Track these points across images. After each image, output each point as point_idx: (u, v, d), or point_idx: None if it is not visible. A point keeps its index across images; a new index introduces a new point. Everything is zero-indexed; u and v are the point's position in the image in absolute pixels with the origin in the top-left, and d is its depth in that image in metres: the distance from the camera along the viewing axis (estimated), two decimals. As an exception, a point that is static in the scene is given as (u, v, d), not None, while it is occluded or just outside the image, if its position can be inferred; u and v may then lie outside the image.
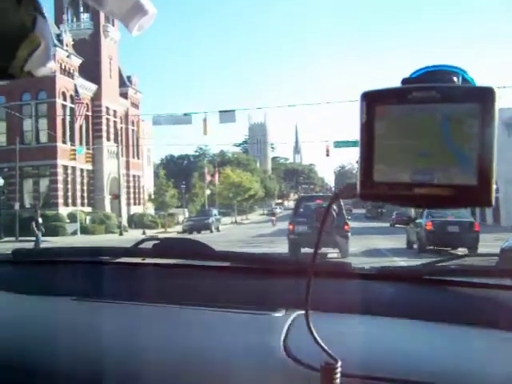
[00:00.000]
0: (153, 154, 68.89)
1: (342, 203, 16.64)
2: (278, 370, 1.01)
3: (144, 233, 37.25)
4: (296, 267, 1.59)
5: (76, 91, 38.86)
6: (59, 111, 42.29)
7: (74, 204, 42.55)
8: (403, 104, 0.71)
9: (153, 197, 50.50)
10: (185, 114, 28.69)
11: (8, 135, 41.02)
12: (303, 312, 1.00)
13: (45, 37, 0.87)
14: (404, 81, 0.73)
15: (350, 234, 16.18)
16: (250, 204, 78.70)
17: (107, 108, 48.14)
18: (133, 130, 54.49)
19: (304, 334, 0.92)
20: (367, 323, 1.22)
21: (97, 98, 46.68)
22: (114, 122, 50.38)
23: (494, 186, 0.69)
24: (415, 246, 19.96)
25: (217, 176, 68.18)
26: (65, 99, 42.89)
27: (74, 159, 36.38)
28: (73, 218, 38.34)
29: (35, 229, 23.66)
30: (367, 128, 0.71)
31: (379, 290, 1.44)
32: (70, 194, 42.97)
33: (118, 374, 1.07)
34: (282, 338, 1.09)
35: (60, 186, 42.37)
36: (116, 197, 39.06)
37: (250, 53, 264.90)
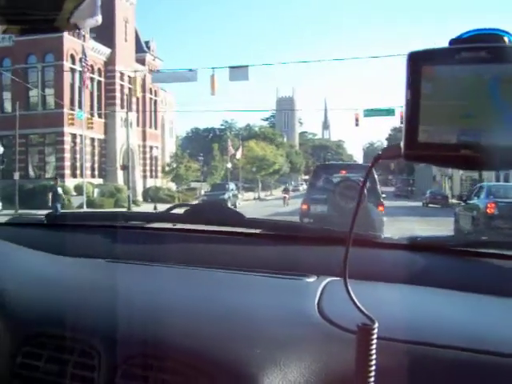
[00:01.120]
0: (176, 125, 66.11)
1: (376, 176, 12.55)
2: (313, 331, 1.03)
3: (155, 208, 34.56)
4: (325, 236, 1.64)
5: (84, 53, 35.82)
6: (67, 75, 39.24)
7: (84, 175, 39.91)
8: (451, 64, 0.70)
9: (167, 169, 47.65)
10: (189, 70, 24.80)
11: (13, 101, 38.14)
12: (334, 278, 1.22)
13: None
14: (452, 41, 0.72)
15: (384, 216, 11.78)
16: (276, 179, 75.39)
17: (121, 74, 45.03)
18: (150, 98, 51.62)
19: (337, 298, 1.06)
20: (399, 291, 1.26)
21: (110, 62, 43.57)
22: (129, 89, 47.43)
23: None
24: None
25: (240, 149, 65.06)
26: (74, 62, 39.78)
27: (73, 124, 33.16)
28: (79, 190, 35.53)
29: (52, 200, 20.94)
30: (413, 88, 0.71)
31: (410, 259, 1.47)
32: (78, 164, 40.19)
33: (153, 332, 1.07)
34: (316, 301, 1.13)
35: (67, 155, 39.55)
36: (124, 167, 36.10)
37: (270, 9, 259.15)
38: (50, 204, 21.04)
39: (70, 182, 37.40)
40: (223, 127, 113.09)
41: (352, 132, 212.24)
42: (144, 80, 50.22)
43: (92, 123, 34.93)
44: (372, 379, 0.82)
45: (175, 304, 1.19)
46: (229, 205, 36.40)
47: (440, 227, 17.68)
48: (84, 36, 39.65)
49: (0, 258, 1.45)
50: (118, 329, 1.08)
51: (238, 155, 63.00)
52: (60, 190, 21.57)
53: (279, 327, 1.06)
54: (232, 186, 43.30)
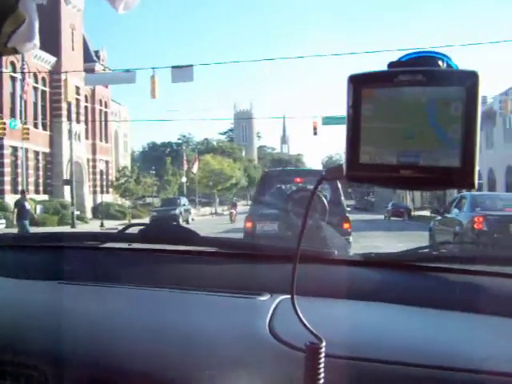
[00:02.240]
0: (131, 140, 63.94)
1: (339, 187, 9.92)
2: (263, 351, 1.03)
3: (102, 225, 32.29)
4: (280, 253, 1.63)
5: (23, 58, 33.43)
6: (6, 83, 36.70)
7: (27, 191, 37.28)
8: (389, 87, 0.72)
9: (115, 184, 45.37)
10: (127, 71, 22.43)
11: None
12: (288, 296, 1.12)
13: (29, 13, 0.89)
14: (390, 64, 0.74)
15: (351, 236, 9.07)
16: (234, 193, 73.69)
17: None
18: (100, 109, 49.36)
19: (289, 317, 1.00)
20: (350, 307, 1.26)
21: (56, 71, 41.10)
22: (77, 100, 45.14)
23: (477, 168, 0.70)
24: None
25: (197, 163, 63.33)
26: (14, 70, 37.08)
27: (3, 134, 30.34)
28: (20, 207, 32.81)
29: (18, 216, 18.17)
30: (354, 110, 0.73)
31: (362, 275, 1.48)
32: (20, 179, 37.44)
33: (104, 355, 1.07)
34: (268, 321, 1.12)
35: (7, 169, 36.87)
36: (67, 182, 33.68)
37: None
38: (15, 221, 18.44)
39: (11, 199, 34.66)
40: (180, 141, 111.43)
41: (311, 146, 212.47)
42: (93, 91, 48.06)
43: (27, 133, 32.18)
44: None
45: (127, 326, 1.17)
46: (180, 221, 34.39)
47: (409, 242, 15.87)
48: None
49: None
50: (67, 353, 1.06)
51: (195, 169, 61.45)
52: (28, 206, 18.87)
53: (230, 347, 1.05)
54: (184, 200, 41.17)
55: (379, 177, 0.74)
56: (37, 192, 39.28)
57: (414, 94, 0.71)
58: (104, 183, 49.22)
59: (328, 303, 1.28)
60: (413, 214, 45.06)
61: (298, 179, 10.21)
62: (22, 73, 33.78)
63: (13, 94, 37.56)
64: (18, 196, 34.12)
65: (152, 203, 48.77)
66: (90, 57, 46.86)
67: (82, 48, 45.17)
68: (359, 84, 0.73)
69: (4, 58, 35.06)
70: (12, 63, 36.51)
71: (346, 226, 8.95)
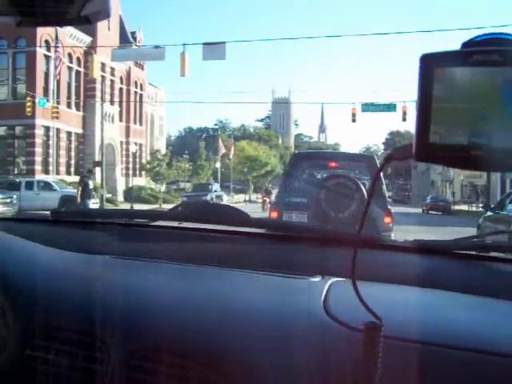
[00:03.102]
0: (167, 124, 63.43)
1: (382, 178, 8.42)
2: (319, 330, 1.04)
3: (131, 208, 31.63)
4: (329, 237, 1.69)
5: (56, 37, 32.77)
6: (40, 62, 36.20)
7: (58, 172, 36.85)
8: (463, 67, 0.72)
9: (146, 167, 44.64)
10: (156, 47, 21.43)
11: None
12: (338, 279, 1.26)
13: None
14: (464, 44, 0.74)
15: (392, 233, 7.41)
16: (269, 180, 72.70)
17: (103, 64, 42.04)
18: (135, 92, 48.73)
19: (342, 298, 1.11)
20: (404, 292, 1.27)
21: (91, 52, 40.55)
22: (112, 81, 44.55)
23: None
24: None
25: (232, 149, 62.42)
26: (48, 49, 36.62)
27: (31, 113, 29.61)
28: (49, 187, 32.38)
29: (81, 196, 17.30)
30: (425, 90, 0.73)
31: (414, 261, 1.48)
32: (51, 160, 37.07)
33: (160, 327, 1.09)
34: (322, 301, 1.13)
35: (38, 149, 36.53)
36: (96, 164, 32.97)
37: None
38: (78, 200, 17.59)
39: (41, 179, 34.29)
40: (217, 127, 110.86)
41: (348, 135, 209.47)
42: (129, 73, 47.46)
43: (57, 113, 31.60)
44: (377, 377, 0.85)
45: (183, 300, 1.19)
46: (211, 206, 33.43)
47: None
48: (61, 21, 36.73)
49: (9, 251, 1.42)
50: (127, 323, 1.10)
51: (231, 155, 60.55)
52: (91, 185, 18.28)
53: (285, 326, 1.06)
54: (216, 186, 40.38)
55: (449, 157, 0.74)
56: (68, 173, 38.92)
57: (489, 75, 0.70)
58: (137, 166, 48.67)
59: (381, 287, 1.26)
60: (452, 208, 43.31)
61: (333, 163, 8.78)
62: (56, 51, 33.07)
63: (47, 74, 37.11)
64: (50, 176, 34.35)
65: (185, 188, 48.06)
66: (126, 38, 46.16)
67: (119, 28, 44.49)
68: (431, 63, 0.72)
69: (38, 37, 34.60)
70: (46, 42, 35.98)
71: (387, 220, 7.50)
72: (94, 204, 18.10)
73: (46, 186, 28.91)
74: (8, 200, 21.85)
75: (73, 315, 1.15)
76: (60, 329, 1.13)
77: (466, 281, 1.35)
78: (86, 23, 0.94)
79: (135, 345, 1.06)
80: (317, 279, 1.31)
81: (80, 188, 17.78)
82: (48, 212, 2.04)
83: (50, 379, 1.10)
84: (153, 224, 1.99)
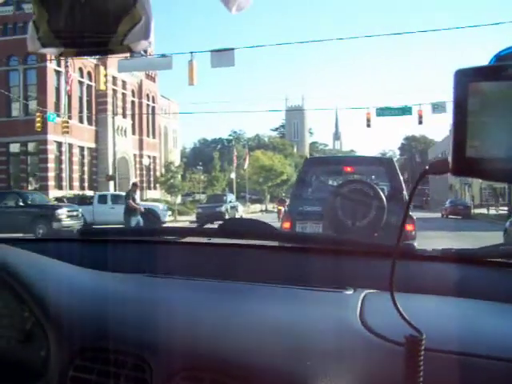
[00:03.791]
0: (181, 136, 63.30)
1: (401, 179, 7.66)
2: (358, 343, 1.03)
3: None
4: (357, 249, 1.70)
5: (66, 52, 32.63)
6: (51, 78, 36.17)
7: (71, 187, 36.63)
8: (498, 81, 0.72)
9: (160, 179, 44.32)
10: (163, 56, 21.09)
11: (-6, 106, 35.03)
12: (370, 291, 1.29)
13: (145, 11, 0.94)
14: (497, 57, 0.76)
15: (415, 241, 6.65)
16: (285, 190, 72.28)
17: (114, 78, 41.92)
18: (148, 104, 48.57)
19: (377, 311, 1.13)
20: (440, 302, 1.27)
21: (102, 66, 40.42)
22: (123, 95, 44.40)
23: None
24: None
25: (247, 159, 62.13)
26: (58, 64, 36.55)
27: (41, 128, 29.29)
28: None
29: (125, 212, 16.24)
30: (460, 105, 0.73)
31: (447, 271, 1.49)
32: (64, 175, 36.85)
33: (201, 345, 1.09)
34: (358, 314, 1.13)
35: (51, 165, 36.41)
36: (110, 178, 32.71)
37: None
38: (124, 216, 16.48)
39: (54, 194, 34.07)
40: (231, 138, 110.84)
41: (363, 142, 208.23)
42: (140, 85, 47.35)
43: (67, 127, 31.34)
44: None
45: (221, 318, 1.19)
46: (226, 217, 33.00)
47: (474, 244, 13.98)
48: (70, 36, 36.73)
49: (44, 272, 1.38)
50: (168, 342, 1.11)
51: (246, 165, 60.26)
52: (138, 199, 17.33)
53: (325, 339, 1.06)
54: (231, 197, 39.82)
55: (486, 171, 0.73)
56: (82, 188, 38.71)
57: None
58: (151, 179, 48.41)
59: (416, 298, 1.25)
60: (472, 211, 42.46)
61: (349, 168, 8.08)
62: (66, 66, 32.93)
63: (58, 89, 37.05)
64: (64, 192, 34.12)
65: (200, 199, 47.73)
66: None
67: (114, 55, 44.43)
68: (466, 78, 0.73)
69: (48, 52, 34.48)
70: (57, 57, 35.81)
71: (409, 227, 6.75)
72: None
73: (120, 200, 28.65)
74: (74, 213, 21.94)
75: (114, 336, 1.14)
76: (102, 350, 1.12)
77: (501, 289, 1.35)
78: (128, 52, 0.96)
79: (177, 364, 1.05)
80: (349, 292, 1.31)
81: (130, 201, 16.31)
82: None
83: None
84: (182, 241, 2.00)
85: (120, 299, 1.32)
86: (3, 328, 1.27)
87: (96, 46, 0.95)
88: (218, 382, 1.01)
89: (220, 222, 1.89)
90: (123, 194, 28.32)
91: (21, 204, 21.42)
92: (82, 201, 28.25)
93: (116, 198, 28.09)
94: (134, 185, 17.40)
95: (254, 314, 1.21)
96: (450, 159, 0.74)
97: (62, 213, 20.97)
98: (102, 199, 28.54)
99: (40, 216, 20.37)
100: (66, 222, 20.74)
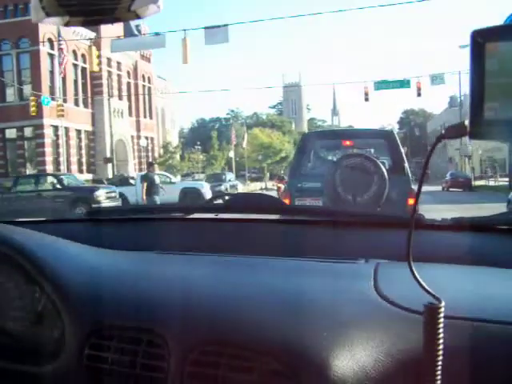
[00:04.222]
0: (179, 116, 62.96)
1: (402, 151, 7.45)
2: (374, 312, 1.04)
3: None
4: (363, 219, 1.72)
5: (59, 34, 32.18)
6: (44, 61, 35.74)
7: (69, 171, 36.42)
8: None
9: (158, 160, 44.07)
10: (155, 34, 20.76)
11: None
12: (381, 261, 1.30)
13: None
14: None
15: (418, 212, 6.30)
16: (285, 167, 72.09)
17: (108, 59, 41.47)
18: (143, 85, 48.16)
19: (391, 280, 1.15)
20: (454, 270, 1.28)
21: (96, 48, 39.89)
22: (119, 76, 43.98)
23: None
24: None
25: (246, 137, 61.84)
26: (52, 47, 36.16)
27: (35, 113, 28.78)
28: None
29: (147, 192, 15.70)
30: (477, 66, 0.72)
31: (456, 239, 1.50)
32: (61, 159, 36.63)
33: (217, 319, 1.08)
34: (372, 284, 1.13)
35: (48, 149, 36.11)
36: (107, 161, 32.49)
37: None
38: (143, 197, 15.99)
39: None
40: (229, 116, 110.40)
41: (362, 117, 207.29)
42: (136, 66, 46.90)
43: (62, 111, 31.02)
44: (440, 358, 0.86)
45: (236, 291, 1.19)
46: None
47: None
48: (61, 17, 36.17)
49: (57, 252, 1.38)
50: (184, 317, 1.10)
51: (245, 143, 59.99)
52: (158, 180, 16.50)
53: (341, 309, 1.06)
54: (230, 176, 39.61)
55: (505, 132, 0.73)
56: (80, 171, 38.42)
57: None
58: (150, 160, 48.26)
59: (430, 267, 1.23)
60: (473, 183, 42.25)
61: (348, 142, 7.80)
62: (60, 50, 32.52)
63: (52, 72, 36.63)
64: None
65: (199, 179, 47.67)
66: (130, 31, 45.20)
67: (123, 22, 43.85)
68: (483, 39, 0.71)
69: (41, 35, 34.07)
70: (50, 40, 35.42)
71: (410, 201, 6.31)
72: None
73: (165, 178, 28.55)
74: (112, 194, 21.67)
75: (128, 313, 1.14)
76: (117, 327, 1.13)
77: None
78: (136, 18, 0.92)
79: (194, 340, 1.04)
80: (361, 263, 1.32)
81: (145, 184, 15.98)
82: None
83: (111, 377, 1.09)
84: (190, 217, 1.99)
85: (133, 276, 1.32)
86: (15, 310, 1.27)
87: (102, 14, 0.92)
88: (237, 356, 1.00)
89: (227, 198, 1.90)
90: (165, 173, 28.40)
91: (58, 187, 21.09)
92: (124, 182, 28.12)
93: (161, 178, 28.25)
94: (151, 164, 16.84)
95: (267, 287, 1.20)
96: (467, 122, 0.72)
97: (101, 194, 20.53)
98: (144, 180, 28.39)
99: (78, 199, 19.92)
100: (105, 203, 20.25)
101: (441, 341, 0.85)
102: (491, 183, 43.11)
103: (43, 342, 1.21)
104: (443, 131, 0.77)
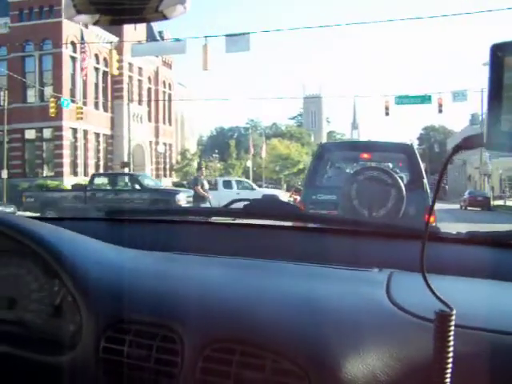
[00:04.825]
0: (198, 124, 63.01)
1: (421, 166, 7.17)
2: (386, 319, 1.06)
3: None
4: (380, 230, 1.73)
5: (82, 37, 32.29)
6: (66, 64, 35.91)
7: (86, 174, 36.52)
8: None
9: (175, 167, 44.08)
10: (177, 40, 20.78)
11: (9, 93, 34.77)
12: (395, 270, 1.33)
13: None
14: None
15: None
16: (301, 179, 71.88)
17: (130, 64, 41.61)
18: (164, 91, 48.26)
19: (404, 288, 1.17)
20: (466, 283, 1.29)
21: (118, 52, 40.12)
22: (139, 81, 44.11)
23: None
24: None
25: (264, 147, 61.80)
26: (74, 50, 36.35)
27: (55, 114, 28.75)
28: (77, 189, 31.98)
29: (194, 199, 15.68)
30: (496, 79, 0.72)
31: (469, 253, 1.52)
32: (79, 161, 36.74)
33: (231, 318, 1.11)
34: (385, 291, 1.15)
35: (66, 151, 36.16)
36: (124, 165, 32.49)
37: None
38: (193, 200, 16.06)
39: (70, 181, 33.92)
40: (248, 126, 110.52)
41: (381, 131, 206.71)
42: (157, 72, 47.04)
43: (81, 113, 31.03)
44: (450, 365, 0.87)
45: (252, 292, 1.21)
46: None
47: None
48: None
49: (77, 246, 1.42)
50: (199, 315, 1.13)
51: (263, 154, 59.94)
52: (206, 184, 16.47)
53: (354, 314, 1.08)
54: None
55: None
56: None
57: None
58: (167, 166, 48.21)
59: (441, 278, 1.22)
60: (492, 203, 41.64)
61: (365, 154, 7.54)
62: (82, 53, 32.63)
63: (73, 75, 36.78)
64: (79, 178, 34.01)
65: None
66: (153, 37, 45.66)
67: (146, 28, 43.96)
68: (502, 52, 0.72)
69: (64, 38, 34.26)
70: (72, 43, 35.63)
71: (431, 219, 5.89)
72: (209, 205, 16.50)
73: (245, 185, 30.00)
74: (191, 198, 21.48)
75: (145, 308, 1.17)
76: (133, 322, 1.15)
77: None
78: (163, 19, 0.94)
79: (208, 336, 1.07)
80: (375, 271, 1.34)
81: (198, 187, 15.85)
82: None
83: (126, 369, 1.11)
84: (208, 221, 2.05)
85: (151, 274, 1.35)
86: (33, 302, 1.31)
87: (131, 14, 0.94)
88: (249, 353, 1.02)
89: (245, 203, 1.90)
90: (245, 180, 28.75)
91: (137, 187, 20.86)
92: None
93: (241, 184, 29.76)
94: (200, 169, 16.65)
95: (281, 289, 1.21)
96: (484, 133, 0.73)
97: (182, 198, 19.95)
98: (227, 184, 29.55)
99: (159, 201, 19.41)
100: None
101: (451, 348, 0.86)
102: (509, 203, 42.48)
103: (60, 334, 1.24)
104: (461, 141, 0.78)
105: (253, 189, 28.91)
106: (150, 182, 22.69)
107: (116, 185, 21.76)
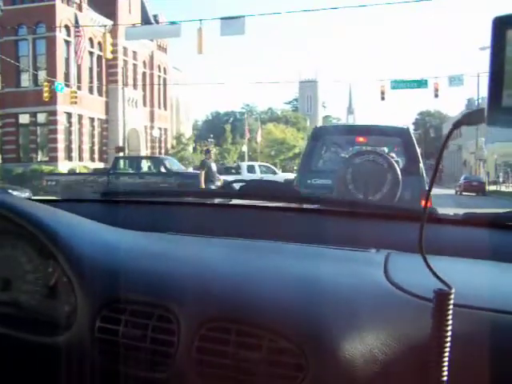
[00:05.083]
0: (194, 109, 62.79)
1: (417, 150, 7.28)
2: (385, 298, 1.06)
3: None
4: (378, 211, 1.76)
5: (76, 21, 31.98)
6: (60, 48, 35.60)
7: (81, 159, 36.38)
8: None
9: (170, 151, 43.93)
10: (171, 23, 20.68)
11: (2, 77, 34.56)
12: (393, 251, 1.33)
13: None
14: None
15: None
16: (296, 164, 71.83)
17: (124, 48, 41.34)
18: (159, 76, 48.01)
19: (401, 269, 1.17)
20: (463, 263, 1.30)
21: (112, 36, 39.78)
22: (134, 66, 43.85)
23: None
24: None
25: (259, 132, 61.69)
26: (68, 34, 35.93)
27: (49, 98, 28.53)
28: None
29: (205, 179, 15.18)
30: (498, 53, 0.71)
31: (467, 233, 1.54)
32: (74, 146, 36.55)
33: (227, 297, 1.11)
34: (383, 271, 1.16)
35: (60, 136, 35.93)
36: (119, 150, 32.35)
37: None
38: (202, 185, 15.44)
39: (64, 166, 33.83)
40: (244, 111, 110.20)
41: (377, 117, 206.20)
42: (152, 56, 46.77)
43: (76, 97, 30.79)
44: (448, 344, 0.87)
45: (248, 272, 1.21)
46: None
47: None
48: (79, 4, 35.98)
49: (72, 227, 1.41)
50: (194, 294, 1.13)
51: (259, 138, 59.84)
52: (215, 167, 15.86)
53: (352, 294, 1.08)
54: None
55: None
56: (92, 160, 38.48)
57: None
58: (162, 151, 48.11)
59: (439, 259, 1.20)
60: (487, 188, 41.71)
61: (361, 138, 7.39)
62: (76, 37, 32.35)
63: (67, 59, 36.45)
64: (73, 163, 33.91)
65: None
66: (148, 20, 45.27)
67: (140, 11, 43.62)
68: (504, 25, 0.70)
69: (58, 21, 33.96)
70: (66, 27, 35.28)
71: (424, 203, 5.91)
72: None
73: (268, 170, 30.26)
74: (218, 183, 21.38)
75: (140, 287, 1.17)
76: (128, 301, 1.15)
77: None
78: None
79: (204, 315, 1.07)
80: (372, 252, 1.35)
81: (203, 172, 15.42)
82: None
83: (122, 349, 1.11)
84: (205, 202, 2.06)
85: (146, 254, 1.35)
86: (28, 283, 1.31)
87: None
88: (244, 332, 1.02)
89: (242, 184, 1.91)
90: (268, 164, 28.90)
91: (163, 171, 20.53)
92: (228, 170, 28.99)
93: (264, 168, 30.10)
94: (207, 152, 16.20)
95: (278, 269, 1.21)
96: (486, 109, 0.71)
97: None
98: (251, 169, 29.79)
99: (184, 184, 18.82)
100: None
101: (449, 327, 0.86)
102: (503, 188, 42.58)
103: (55, 314, 1.24)
104: (461, 117, 0.76)
105: (275, 173, 29.17)
106: (175, 165, 22.42)
107: (140, 168, 21.48)
